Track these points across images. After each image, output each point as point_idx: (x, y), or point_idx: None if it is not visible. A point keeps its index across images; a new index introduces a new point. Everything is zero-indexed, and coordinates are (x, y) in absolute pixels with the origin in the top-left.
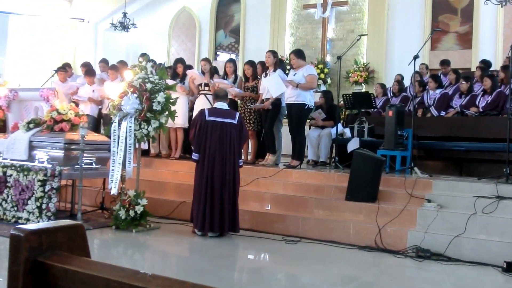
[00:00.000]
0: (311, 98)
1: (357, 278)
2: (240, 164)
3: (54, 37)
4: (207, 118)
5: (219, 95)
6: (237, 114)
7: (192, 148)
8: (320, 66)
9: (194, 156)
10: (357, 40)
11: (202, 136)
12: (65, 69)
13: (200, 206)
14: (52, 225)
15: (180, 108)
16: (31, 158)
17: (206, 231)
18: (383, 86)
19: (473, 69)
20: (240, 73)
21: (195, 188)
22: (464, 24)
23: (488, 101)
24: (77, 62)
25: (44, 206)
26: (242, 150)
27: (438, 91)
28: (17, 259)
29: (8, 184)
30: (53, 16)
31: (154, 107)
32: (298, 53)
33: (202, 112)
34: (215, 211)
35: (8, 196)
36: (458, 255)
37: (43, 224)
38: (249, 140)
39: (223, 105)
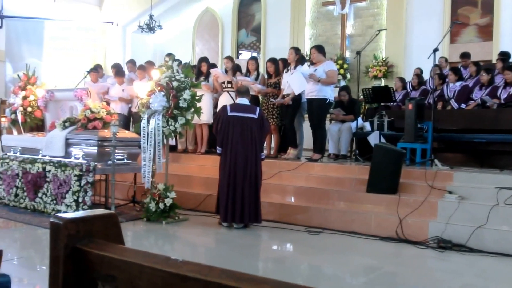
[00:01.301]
0: (331, 93)
1: (379, 268)
2: (262, 157)
3: (85, 40)
4: (229, 113)
5: (240, 91)
6: (258, 109)
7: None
8: (340, 61)
9: (218, 150)
10: (376, 34)
11: (225, 131)
12: (96, 70)
13: (223, 198)
14: (88, 214)
15: (205, 105)
16: (67, 154)
17: (230, 222)
18: (402, 80)
19: (494, 61)
20: (261, 70)
21: (219, 181)
22: (485, 16)
23: (510, 93)
24: (107, 64)
25: (80, 200)
26: (265, 145)
27: (458, 83)
28: (57, 245)
29: (47, 179)
30: (84, 21)
31: (181, 104)
32: (319, 49)
33: (224, 107)
34: (237, 203)
35: (47, 190)
36: (480, 246)
37: (80, 213)
38: (272, 135)
39: (245, 101)
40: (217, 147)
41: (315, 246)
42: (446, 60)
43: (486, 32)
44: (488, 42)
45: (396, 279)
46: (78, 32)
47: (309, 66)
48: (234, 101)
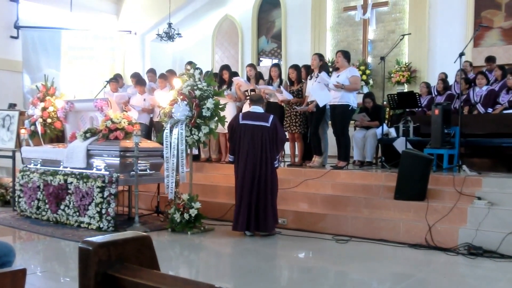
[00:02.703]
0: (354, 100)
1: (411, 276)
2: (276, 165)
3: (103, 49)
4: (241, 121)
5: (253, 99)
6: (271, 117)
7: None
8: (362, 67)
9: (230, 158)
10: (401, 39)
11: (236, 139)
12: (116, 80)
13: (235, 206)
14: (119, 237)
15: (228, 113)
16: (89, 165)
17: (240, 230)
18: (428, 85)
19: None
20: (284, 77)
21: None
22: (509, 19)
23: None
24: (126, 73)
25: (103, 211)
26: (288, 152)
27: (484, 88)
28: (87, 273)
29: (69, 191)
30: (102, 30)
31: (204, 113)
32: (345, 54)
33: (236, 116)
34: (241, 211)
35: (70, 202)
36: (511, 252)
37: (110, 236)
38: (296, 143)
39: (258, 109)
40: (229, 155)
41: (343, 254)
42: (471, 64)
43: (510, 35)
44: None
45: (429, 286)
46: (96, 41)
47: (331, 72)
48: None
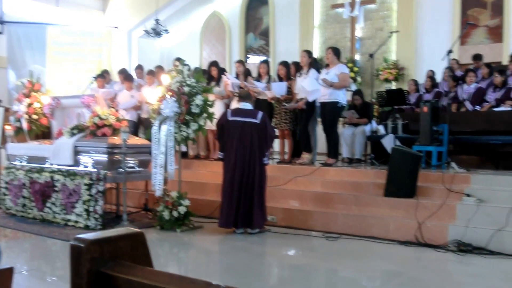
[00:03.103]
0: (343, 97)
1: (402, 274)
2: (265, 162)
3: (90, 45)
4: (230, 118)
5: (242, 96)
6: (260, 113)
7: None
8: (350, 65)
9: (219, 154)
10: (389, 37)
11: (225, 136)
12: (103, 76)
13: (222, 203)
14: (112, 233)
15: (217, 110)
16: (76, 163)
17: (228, 227)
18: (416, 82)
19: (504, 62)
20: (272, 74)
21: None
22: (494, 18)
23: None
24: (113, 69)
25: (91, 209)
26: (277, 150)
27: (472, 85)
28: (79, 271)
29: (56, 189)
30: (88, 26)
31: (193, 110)
32: (336, 51)
33: (225, 112)
34: (230, 208)
35: (56, 200)
36: (500, 248)
37: (103, 233)
38: (285, 140)
39: (247, 105)
40: (219, 151)
41: (333, 252)
42: (458, 62)
43: (496, 34)
44: (498, 43)
45: (419, 283)
46: (82, 37)
47: (320, 69)
48: None
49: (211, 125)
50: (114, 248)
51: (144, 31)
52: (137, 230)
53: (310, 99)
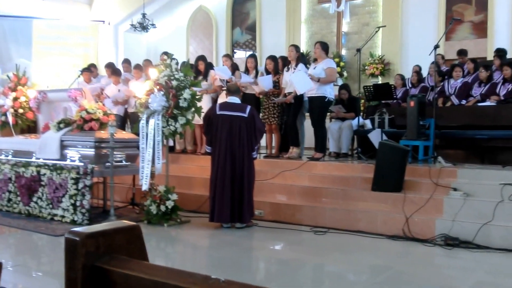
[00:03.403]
0: (331, 91)
1: (389, 267)
2: (254, 156)
3: (76, 40)
4: (218, 112)
5: (231, 90)
6: (249, 107)
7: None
8: (336, 60)
9: (207, 149)
10: (376, 32)
11: (213, 130)
12: (90, 70)
13: (211, 197)
14: (108, 227)
15: (204, 104)
16: (63, 157)
17: (216, 221)
18: (402, 77)
19: (489, 58)
20: (259, 68)
21: (210, 180)
22: (479, 13)
23: (509, 89)
24: (99, 63)
25: (78, 203)
26: (264, 144)
27: (459, 80)
28: (74, 265)
29: (42, 183)
30: (74, 19)
31: (181, 104)
32: (324, 45)
33: (213, 106)
34: (224, 203)
35: (43, 195)
36: (487, 242)
37: (99, 226)
38: (273, 134)
39: (235, 99)
40: (206, 145)
41: (321, 246)
42: (443, 57)
43: (481, 29)
44: (483, 39)
45: (407, 277)
46: (68, 31)
47: (308, 64)
48: None
49: (198, 120)
50: (109, 241)
51: (131, 25)
52: (133, 223)
53: (300, 91)
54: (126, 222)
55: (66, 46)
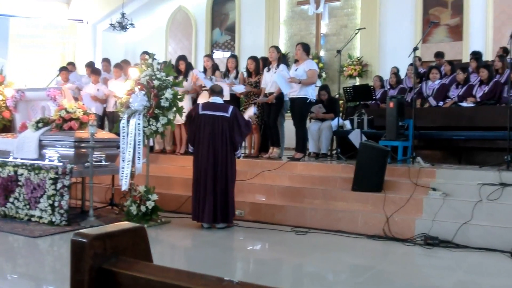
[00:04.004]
0: (312, 92)
1: (370, 267)
2: (238, 156)
3: (54, 38)
4: (200, 112)
5: (214, 90)
6: (231, 107)
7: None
8: (315, 61)
9: (190, 149)
10: (356, 33)
11: (196, 130)
12: (66, 69)
13: (193, 197)
14: (115, 228)
15: (184, 104)
16: (41, 157)
17: (199, 221)
18: (381, 78)
19: (464, 60)
20: (240, 68)
21: (192, 179)
22: (455, 17)
23: (485, 91)
24: (77, 63)
25: (56, 204)
26: (245, 144)
27: (436, 82)
28: (81, 268)
29: (20, 183)
30: (52, 18)
31: (162, 104)
32: (305, 47)
33: (196, 106)
34: (207, 202)
35: (20, 195)
36: (466, 242)
37: (104, 227)
38: (253, 134)
39: (218, 100)
40: (189, 145)
41: (302, 246)
42: (420, 59)
43: (456, 32)
44: (458, 42)
45: (388, 277)
46: (46, 30)
47: (289, 65)
48: None
49: (179, 119)
50: (116, 243)
51: (110, 24)
52: (138, 225)
53: (285, 90)
54: (131, 224)
55: (44, 44)
